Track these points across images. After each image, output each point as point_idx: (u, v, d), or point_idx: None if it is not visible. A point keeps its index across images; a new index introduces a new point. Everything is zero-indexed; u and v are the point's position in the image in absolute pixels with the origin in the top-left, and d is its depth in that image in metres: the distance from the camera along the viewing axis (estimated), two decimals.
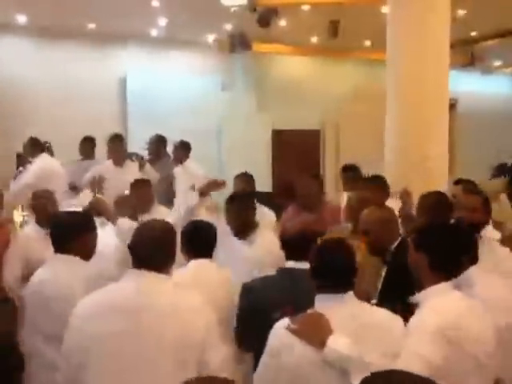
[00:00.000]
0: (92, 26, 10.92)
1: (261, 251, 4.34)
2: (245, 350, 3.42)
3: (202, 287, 3.15)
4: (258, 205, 5.15)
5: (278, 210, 5.82)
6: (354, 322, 2.49)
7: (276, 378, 2.52)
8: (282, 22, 10.24)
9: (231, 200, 4.67)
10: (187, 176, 7.37)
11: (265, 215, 5.50)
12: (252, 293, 3.32)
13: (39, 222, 4.88)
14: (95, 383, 2.55)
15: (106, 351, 2.54)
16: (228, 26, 10.75)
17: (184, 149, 8.16)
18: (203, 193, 5.03)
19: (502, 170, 15.05)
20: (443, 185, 6.35)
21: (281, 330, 2.54)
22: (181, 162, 8.01)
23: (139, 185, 5.67)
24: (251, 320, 3.26)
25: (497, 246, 3.97)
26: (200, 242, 3.78)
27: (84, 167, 7.74)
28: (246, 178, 5.98)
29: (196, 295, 2.81)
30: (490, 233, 4.17)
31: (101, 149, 8.44)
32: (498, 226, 4.52)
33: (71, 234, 3.44)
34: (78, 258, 3.42)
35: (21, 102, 10.79)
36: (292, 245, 3.36)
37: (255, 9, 8.62)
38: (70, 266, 3.38)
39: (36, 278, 3.49)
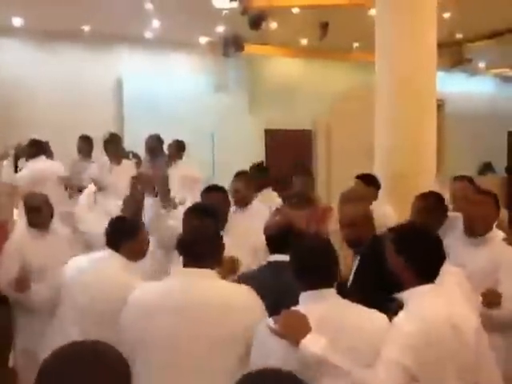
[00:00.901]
0: (87, 28, 11.02)
1: None
2: None
3: None
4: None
5: None
6: (334, 320, 2.51)
7: None
8: (273, 25, 10.36)
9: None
10: (179, 175, 7.49)
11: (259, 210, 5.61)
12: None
13: (32, 223, 4.84)
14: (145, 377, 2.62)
15: (159, 347, 2.64)
16: (220, 29, 10.87)
17: (177, 148, 8.26)
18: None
19: (487, 168, 15.35)
20: (431, 183, 6.49)
21: (263, 330, 2.58)
22: (174, 161, 8.12)
23: None
24: None
25: None
26: None
27: (83, 167, 7.92)
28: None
29: (247, 291, 2.88)
30: (495, 232, 4.31)
31: (98, 150, 8.58)
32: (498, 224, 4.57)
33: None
34: None
35: (17, 104, 10.87)
36: (273, 240, 3.45)
37: (246, 12, 8.72)
38: None
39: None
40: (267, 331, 2.53)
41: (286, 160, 12.84)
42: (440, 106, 13.40)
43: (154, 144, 8.36)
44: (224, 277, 4.91)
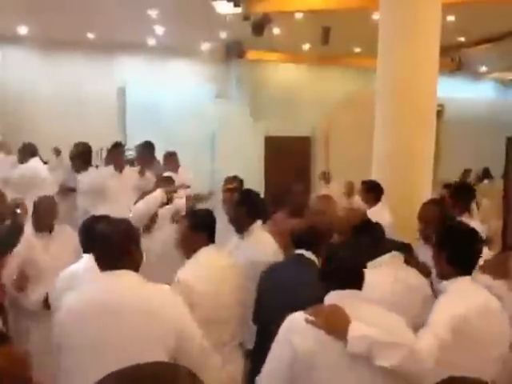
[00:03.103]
0: (91, 36, 11.10)
1: None
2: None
3: None
4: None
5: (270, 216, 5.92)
6: (360, 318, 2.53)
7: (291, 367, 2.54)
8: (276, 30, 10.44)
9: None
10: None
11: None
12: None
13: (38, 226, 4.79)
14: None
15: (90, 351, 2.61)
16: (223, 35, 10.92)
17: (172, 158, 8.29)
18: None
19: (485, 174, 15.39)
20: (428, 190, 6.53)
21: (298, 321, 2.57)
22: (174, 169, 8.14)
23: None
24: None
25: None
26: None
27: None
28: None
29: (164, 289, 2.89)
30: None
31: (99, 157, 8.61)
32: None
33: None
34: None
35: (21, 111, 10.93)
36: (299, 238, 3.73)
37: (249, 17, 8.73)
38: None
39: None
40: (302, 325, 2.53)
41: (286, 167, 12.91)
42: (439, 110, 13.46)
43: (144, 151, 8.32)
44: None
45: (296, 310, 2.62)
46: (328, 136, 14.17)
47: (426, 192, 6.15)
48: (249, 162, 12.41)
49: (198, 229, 3.67)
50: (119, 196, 6.85)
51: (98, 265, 2.80)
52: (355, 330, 2.41)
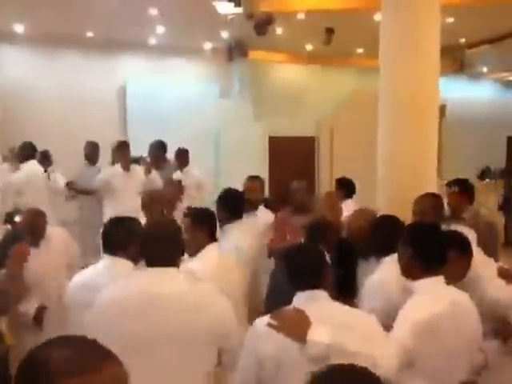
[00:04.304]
0: (90, 34, 11.10)
1: None
2: None
3: None
4: (262, 208, 5.41)
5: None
6: (329, 317, 2.61)
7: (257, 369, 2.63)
8: (278, 30, 10.46)
9: None
10: (188, 181, 7.57)
11: (268, 218, 5.69)
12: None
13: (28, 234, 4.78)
14: None
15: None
16: (225, 34, 10.94)
17: (184, 155, 8.33)
18: None
19: (486, 172, 15.47)
20: (433, 189, 6.54)
21: (260, 327, 2.64)
22: (182, 168, 8.20)
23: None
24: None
25: None
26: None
27: (90, 172, 8.04)
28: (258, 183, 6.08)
29: (212, 288, 2.93)
30: None
31: (102, 155, 8.64)
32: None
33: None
34: None
35: (19, 110, 10.90)
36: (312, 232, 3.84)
37: (252, 17, 8.74)
38: None
39: None
40: (264, 330, 2.57)
41: (290, 166, 12.94)
42: (441, 110, 13.47)
43: (157, 151, 8.40)
44: None
45: None
46: (332, 135, 14.20)
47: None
48: (253, 161, 12.42)
49: (200, 225, 3.72)
50: (126, 194, 6.93)
51: (147, 261, 2.84)
52: (315, 334, 2.45)
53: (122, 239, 3.49)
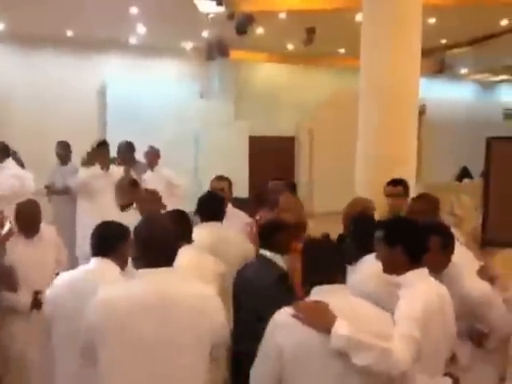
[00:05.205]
0: (70, 33, 10.99)
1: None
2: None
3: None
4: (231, 208, 5.36)
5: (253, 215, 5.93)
6: (347, 309, 2.62)
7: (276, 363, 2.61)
8: (259, 30, 10.43)
9: None
10: (159, 180, 7.57)
11: (240, 218, 5.64)
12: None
13: (21, 229, 4.76)
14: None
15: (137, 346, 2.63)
16: (206, 34, 10.87)
17: (154, 154, 8.30)
18: None
19: (464, 173, 15.65)
20: (412, 188, 6.54)
21: (280, 319, 2.64)
22: (152, 168, 8.18)
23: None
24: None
25: None
26: None
27: (67, 171, 7.95)
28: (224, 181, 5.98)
29: (214, 294, 2.91)
30: None
31: (79, 155, 8.53)
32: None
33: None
34: None
35: None
36: (263, 236, 3.81)
37: (233, 16, 8.70)
38: None
39: None
40: (285, 321, 2.60)
41: (270, 166, 12.94)
42: (421, 111, 13.56)
43: (126, 151, 8.33)
44: None
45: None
46: (312, 136, 14.23)
47: (410, 194, 6.20)
48: (233, 161, 12.42)
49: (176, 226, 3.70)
50: (105, 194, 6.87)
51: (141, 263, 2.80)
52: (339, 327, 2.48)
53: (111, 242, 3.53)
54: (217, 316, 2.79)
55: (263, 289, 3.42)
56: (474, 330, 3.52)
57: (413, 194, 6.34)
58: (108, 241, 3.54)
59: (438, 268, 3.35)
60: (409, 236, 3.11)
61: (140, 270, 2.77)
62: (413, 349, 2.64)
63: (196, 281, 2.95)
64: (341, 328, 2.48)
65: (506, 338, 3.53)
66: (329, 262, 2.79)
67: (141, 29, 10.61)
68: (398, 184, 5.57)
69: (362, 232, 3.80)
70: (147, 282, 2.75)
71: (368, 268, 3.47)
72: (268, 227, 3.85)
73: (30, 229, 4.71)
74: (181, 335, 2.66)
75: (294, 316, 2.57)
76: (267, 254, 3.77)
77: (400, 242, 3.07)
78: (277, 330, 2.62)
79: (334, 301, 2.62)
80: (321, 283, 2.73)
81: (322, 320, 2.53)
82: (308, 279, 2.81)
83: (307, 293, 2.74)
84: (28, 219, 4.71)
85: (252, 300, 3.51)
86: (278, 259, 3.68)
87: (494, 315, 3.44)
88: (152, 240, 2.80)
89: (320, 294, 2.70)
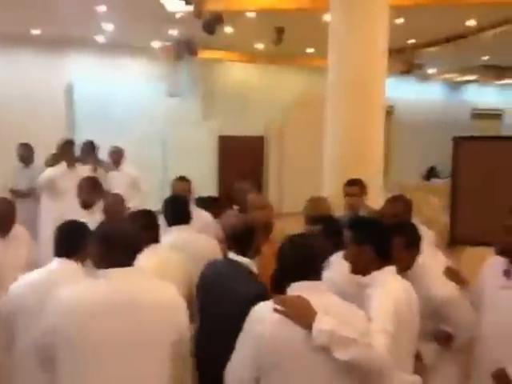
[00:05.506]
0: (37, 31, 10.85)
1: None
2: None
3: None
4: (194, 208, 5.33)
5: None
6: (322, 305, 2.61)
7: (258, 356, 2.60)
8: (228, 29, 10.39)
9: None
10: (123, 180, 7.63)
11: (201, 218, 5.61)
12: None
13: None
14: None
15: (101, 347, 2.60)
16: (174, 32, 10.82)
17: (118, 154, 8.27)
18: None
19: (431, 172, 15.83)
20: (379, 187, 6.60)
21: (264, 311, 2.63)
22: (116, 167, 8.14)
23: None
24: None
25: None
26: None
27: (30, 172, 7.85)
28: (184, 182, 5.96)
29: (175, 291, 2.90)
30: None
31: (45, 155, 8.41)
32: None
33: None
34: None
35: None
36: (234, 238, 3.67)
37: (200, 15, 8.62)
38: None
39: None
40: (266, 315, 2.59)
41: (239, 166, 12.94)
42: (389, 111, 13.67)
43: (87, 151, 8.27)
44: None
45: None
46: (282, 135, 14.24)
47: (377, 193, 6.23)
48: (202, 160, 12.40)
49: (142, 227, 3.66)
50: (71, 193, 6.76)
51: (102, 263, 2.76)
52: (320, 321, 2.49)
53: (74, 242, 3.49)
54: (179, 314, 2.81)
55: (242, 302, 3.22)
56: (438, 330, 3.53)
57: (380, 193, 6.39)
58: (70, 240, 3.51)
59: (403, 267, 3.34)
60: (379, 235, 3.15)
61: (102, 270, 2.74)
62: (388, 344, 2.69)
63: (159, 280, 2.92)
64: (323, 323, 2.48)
65: (471, 339, 3.54)
66: (307, 259, 2.78)
67: (108, 27, 10.50)
68: (353, 184, 5.67)
69: (330, 231, 3.81)
70: (110, 281, 2.73)
71: (337, 267, 3.46)
72: (241, 231, 3.72)
73: (4, 228, 4.63)
74: (144, 334, 2.65)
75: (275, 310, 2.56)
76: (239, 258, 3.60)
77: (370, 242, 3.11)
78: (257, 323, 2.61)
79: (312, 297, 2.61)
80: (299, 280, 2.72)
81: (303, 314, 2.53)
82: (286, 277, 2.79)
83: (283, 291, 2.73)
84: (2, 218, 4.63)
85: (226, 308, 3.34)
86: (251, 264, 3.61)
87: (459, 316, 3.45)
88: (112, 240, 2.78)
89: (298, 290, 2.69)
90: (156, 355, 2.69)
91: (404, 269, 3.37)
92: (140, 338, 2.64)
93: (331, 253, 3.52)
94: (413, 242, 3.52)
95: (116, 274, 2.73)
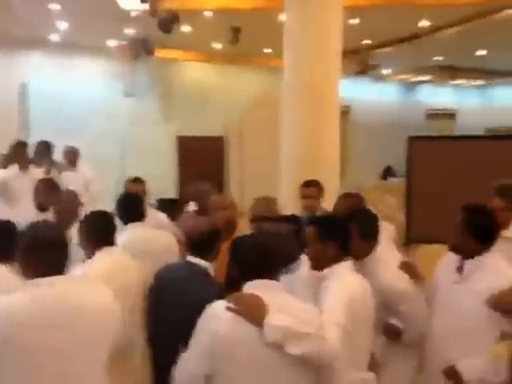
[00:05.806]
0: None
1: None
2: None
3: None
4: (149, 209, 5.27)
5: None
6: (278, 303, 2.62)
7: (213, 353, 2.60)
8: (185, 28, 10.33)
9: None
10: (78, 180, 7.53)
11: (156, 218, 5.56)
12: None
13: None
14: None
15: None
16: (130, 32, 10.72)
17: (72, 154, 8.18)
18: None
19: (387, 172, 16.04)
20: (335, 188, 6.62)
21: (218, 310, 2.63)
22: (72, 167, 8.06)
23: None
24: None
25: None
26: None
27: None
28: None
29: (107, 293, 2.83)
30: None
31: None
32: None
33: None
34: None
35: None
36: (197, 242, 3.59)
37: (156, 14, 8.55)
38: None
39: None
40: (221, 312, 2.59)
41: (199, 166, 12.89)
42: (345, 112, 13.77)
43: (41, 152, 8.15)
44: None
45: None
46: (241, 136, 14.23)
47: (334, 194, 6.26)
48: (161, 161, 12.32)
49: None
50: (24, 196, 6.63)
51: (29, 270, 2.64)
52: (272, 318, 2.50)
53: (5, 246, 3.21)
54: (113, 317, 2.75)
55: (193, 309, 3.16)
56: (387, 323, 3.55)
57: (337, 194, 6.42)
58: (3, 244, 3.25)
59: (358, 255, 3.37)
60: (343, 232, 3.18)
61: (38, 279, 2.60)
62: (340, 336, 2.71)
63: (96, 286, 2.84)
64: (274, 319, 2.50)
65: (421, 335, 3.58)
66: (262, 258, 2.78)
67: (63, 25, 10.36)
68: (310, 185, 5.58)
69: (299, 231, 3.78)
70: (46, 290, 2.61)
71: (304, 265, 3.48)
72: (207, 236, 3.62)
73: None
74: (82, 340, 2.60)
75: (228, 308, 2.57)
76: (197, 261, 3.53)
77: (334, 239, 3.13)
78: (210, 321, 2.61)
79: (265, 295, 2.62)
80: (254, 279, 2.73)
81: (255, 312, 2.54)
82: (241, 275, 2.80)
83: (238, 290, 2.72)
84: None
85: (177, 313, 3.28)
86: (209, 266, 3.57)
87: (411, 311, 3.48)
88: (39, 246, 2.64)
89: (252, 289, 2.70)
90: (95, 357, 2.66)
91: (359, 257, 3.39)
92: (75, 345, 2.57)
93: (300, 252, 3.54)
94: (367, 231, 3.52)
95: (51, 282, 2.61)
